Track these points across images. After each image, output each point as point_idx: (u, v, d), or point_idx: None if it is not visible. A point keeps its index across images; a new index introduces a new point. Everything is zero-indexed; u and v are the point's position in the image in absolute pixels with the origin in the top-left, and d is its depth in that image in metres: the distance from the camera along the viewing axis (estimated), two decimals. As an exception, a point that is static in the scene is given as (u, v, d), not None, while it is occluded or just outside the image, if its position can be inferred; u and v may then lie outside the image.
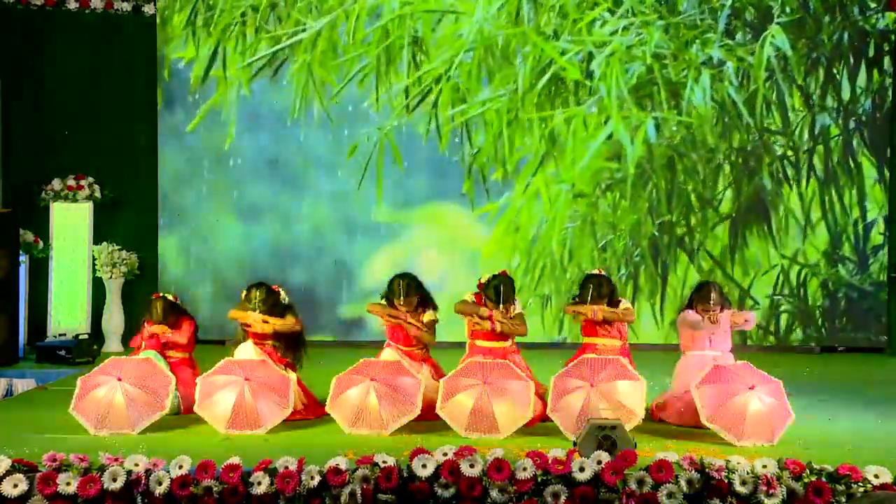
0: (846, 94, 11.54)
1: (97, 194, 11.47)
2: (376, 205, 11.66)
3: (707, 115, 11.37)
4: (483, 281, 7.78)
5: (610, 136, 11.34)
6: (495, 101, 11.37)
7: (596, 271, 8.10)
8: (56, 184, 11.39)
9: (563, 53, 11.28)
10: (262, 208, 11.80)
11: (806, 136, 11.56)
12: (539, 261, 11.51)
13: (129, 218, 11.75)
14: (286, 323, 7.81)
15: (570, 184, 11.44)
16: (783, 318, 11.63)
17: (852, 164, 11.58)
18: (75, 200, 11.40)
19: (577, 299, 7.88)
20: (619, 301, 7.84)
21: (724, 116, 11.46)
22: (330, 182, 11.75)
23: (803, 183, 11.57)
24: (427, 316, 7.83)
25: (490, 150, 11.50)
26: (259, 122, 11.71)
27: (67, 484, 5.66)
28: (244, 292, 7.94)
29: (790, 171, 11.58)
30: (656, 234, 11.51)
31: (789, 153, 11.58)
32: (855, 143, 11.57)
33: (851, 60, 11.55)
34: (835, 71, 11.54)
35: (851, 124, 11.56)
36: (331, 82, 11.56)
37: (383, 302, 7.91)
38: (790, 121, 11.53)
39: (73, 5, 11.60)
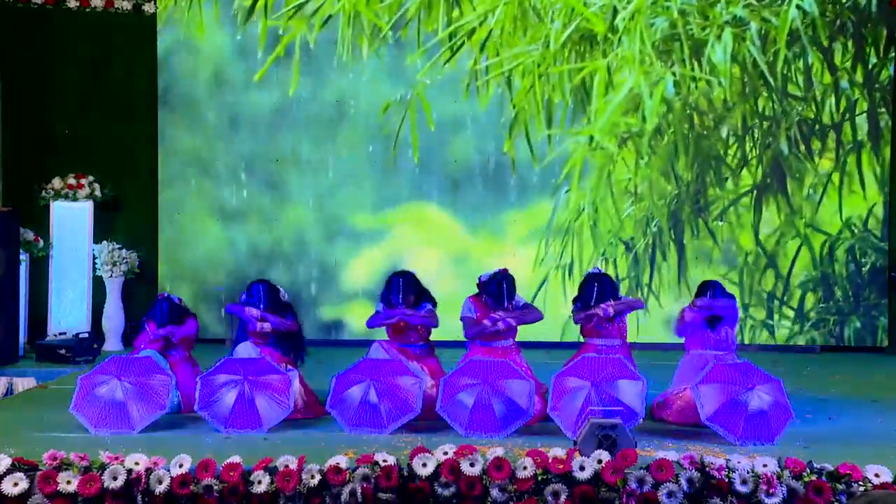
0: (873, 61, 11.40)
1: (97, 193, 11.47)
2: (412, 163, 11.62)
3: (726, 73, 11.23)
4: (484, 280, 7.77)
5: (631, 92, 11.27)
6: (526, 56, 11.32)
7: (596, 270, 8.10)
8: (56, 182, 11.38)
9: (587, 6, 11.23)
10: (250, 209, 11.81)
11: (829, 101, 11.45)
12: (565, 225, 11.51)
13: (129, 217, 11.76)
14: (283, 322, 7.81)
15: (588, 135, 11.38)
16: (808, 291, 11.61)
17: (878, 132, 11.48)
18: (75, 199, 11.39)
19: (579, 301, 7.86)
20: (621, 298, 7.85)
21: (745, 76, 11.35)
22: (316, 182, 11.76)
23: (825, 149, 11.47)
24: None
25: (523, 106, 11.46)
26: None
27: (68, 482, 5.66)
28: (247, 288, 7.96)
29: (811, 138, 11.46)
30: (675, 193, 11.45)
31: (810, 118, 11.47)
32: (879, 109, 11.47)
33: (880, 27, 11.41)
34: (862, 40, 11.39)
35: (877, 91, 11.46)
36: (379, 24, 11.50)
37: (379, 309, 7.87)
38: (813, 86, 11.41)
39: (73, 4, 11.59)
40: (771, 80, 11.36)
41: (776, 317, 11.63)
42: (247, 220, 11.78)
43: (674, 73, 11.24)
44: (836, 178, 11.54)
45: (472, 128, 11.64)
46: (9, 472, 5.72)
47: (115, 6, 11.67)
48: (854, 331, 11.67)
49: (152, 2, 11.71)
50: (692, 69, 11.25)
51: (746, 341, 11.51)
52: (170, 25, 11.66)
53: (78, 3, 11.60)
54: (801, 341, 11.67)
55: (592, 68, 11.30)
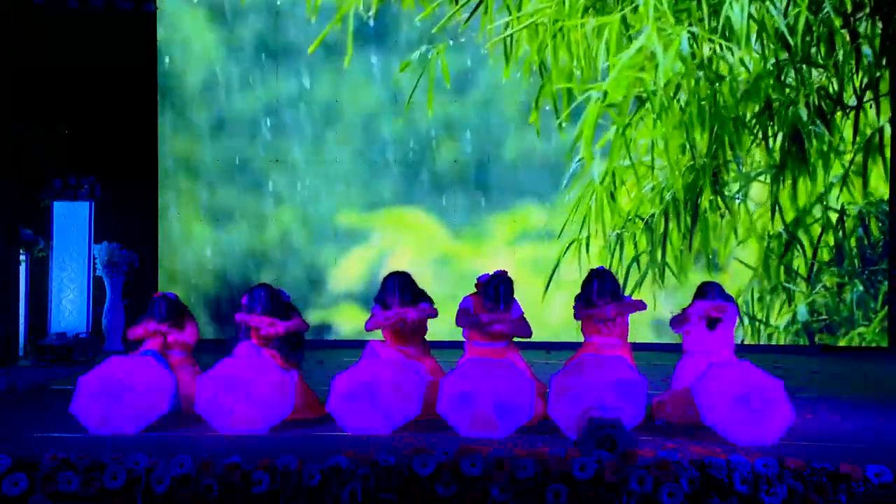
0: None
1: (97, 193, 11.46)
2: (426, 117, 11.62)
3: (743, 34, 11.10)
4: (483, 281, 7.76)
5: (645, 50, 11.18)
6: (541, 14, 11.24)
7: (599, 267, 8.07)
8: (56, 183, 11.38)
9: None
10: (237, 210, 11.81)
11: (849, 69, 11.34)
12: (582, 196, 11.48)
13: (129, 217, 11.76)
14: (293, 323, 7.80)
15: (601, 90, 11.30)
16: (822, 264, 11.61)
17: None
18: (76, 199, 11.38)
19: (581, 299, 7.84)
20: (625, 298, 7.83)
21: (764, 39, 11.22)
22: (304, 184, 11.77)
23: (845, 121, 11.43)
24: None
25: (539, 67, 11.40)
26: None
27: (68, 483, 5.67)
28: (248, 294, 7.92)
29: (831, 114, 11.39)
30: (691, 164, 11.36)
31: (831, 88, 11.39)
32: None
33: None
34: (889, 13, 11.32)
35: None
36: None
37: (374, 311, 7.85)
38: (835, 51, 11.30)
39: (73, 1, 11.59)
40: (791, 41, 11.21)
41: (790, 288, 11.56)
42: (242, 221, 11.78)
43: (690, 33, 11.09)
44: (851, 145, 11.47)
45: (465, 128, 11.62)
46: (9, 472, 5.72)
47: (116, 5, 11.67)
48: (856, 294, 11.62)
49: (152, 2, 11.72)
50: (711, 32, 11.09)
51: (760, 313, 11.47)
52: (170, 26, 11.67)
53: (78, 2, 11.61)
54: (804, 303, 11.59)
55: (607, 21, 11.11)
